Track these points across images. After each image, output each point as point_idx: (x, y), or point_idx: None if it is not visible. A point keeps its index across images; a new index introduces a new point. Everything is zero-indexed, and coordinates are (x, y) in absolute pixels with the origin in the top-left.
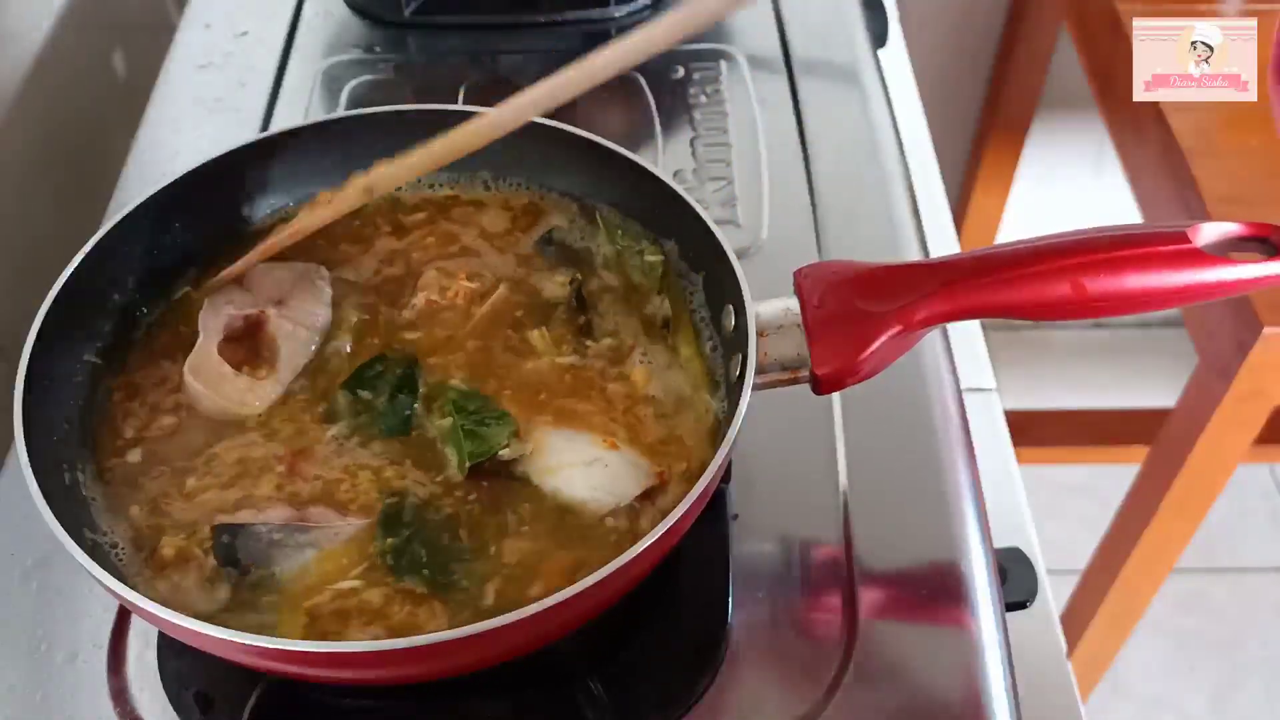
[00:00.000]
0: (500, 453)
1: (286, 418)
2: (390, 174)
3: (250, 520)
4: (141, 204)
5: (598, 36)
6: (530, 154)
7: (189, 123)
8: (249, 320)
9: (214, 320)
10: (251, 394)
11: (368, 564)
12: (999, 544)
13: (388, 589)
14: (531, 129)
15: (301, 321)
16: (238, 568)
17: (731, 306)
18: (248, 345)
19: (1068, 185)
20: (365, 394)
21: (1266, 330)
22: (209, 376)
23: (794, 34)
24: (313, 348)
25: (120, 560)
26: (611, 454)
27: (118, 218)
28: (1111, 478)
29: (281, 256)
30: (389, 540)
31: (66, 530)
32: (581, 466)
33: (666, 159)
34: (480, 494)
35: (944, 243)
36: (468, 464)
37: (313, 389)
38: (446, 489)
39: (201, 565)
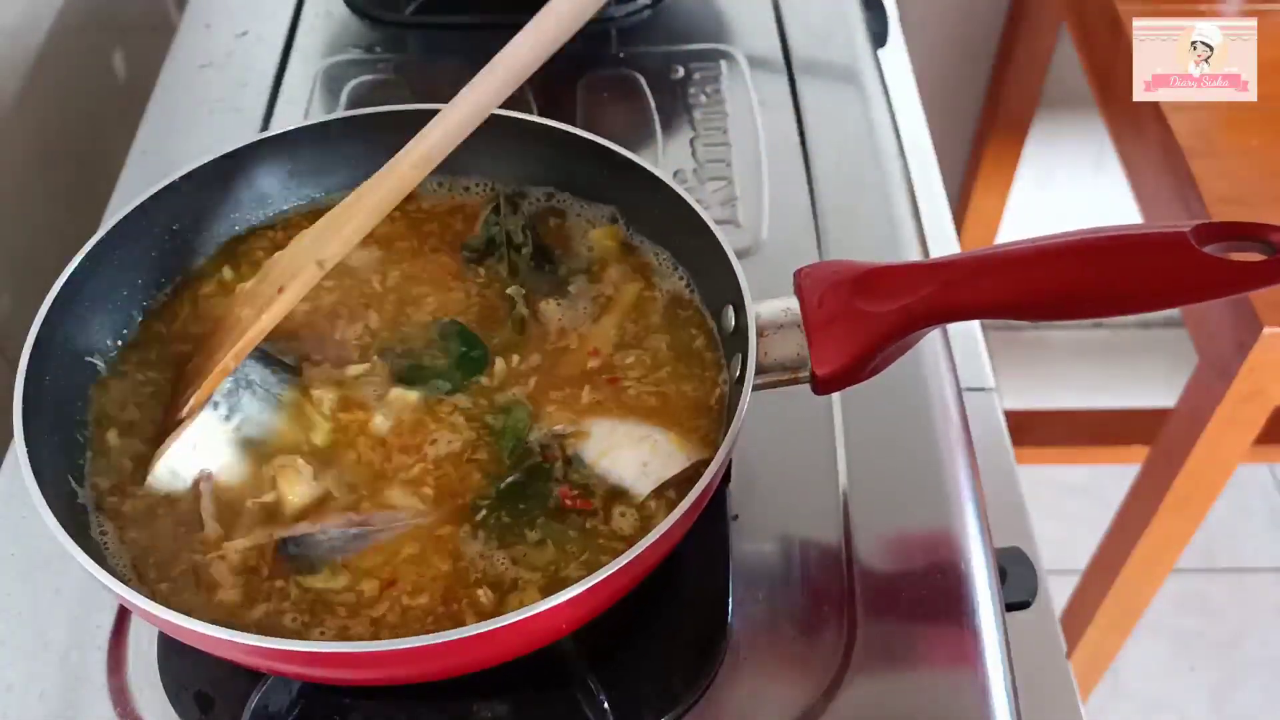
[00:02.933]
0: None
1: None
2: (335, 250)
3: (309, 531)
4: (141, 204)
5: (597, 36)
6: (502, 147)
7: (189, 123)
8: None
9: None
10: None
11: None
12: (999, 544)
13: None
14: (520, 124)
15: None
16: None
17: (731, 306)
18: None
19: (1068, 185)
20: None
21: (1266, 330)
22: None
23: (794, 34)
24: None
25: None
26: (659, 431)
27: (117, 218)
28: (1111, 478)
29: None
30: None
31: (66, 530)
32: (632, 445)
33: (666, 159)
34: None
35: (944, 243)
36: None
37: None
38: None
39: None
